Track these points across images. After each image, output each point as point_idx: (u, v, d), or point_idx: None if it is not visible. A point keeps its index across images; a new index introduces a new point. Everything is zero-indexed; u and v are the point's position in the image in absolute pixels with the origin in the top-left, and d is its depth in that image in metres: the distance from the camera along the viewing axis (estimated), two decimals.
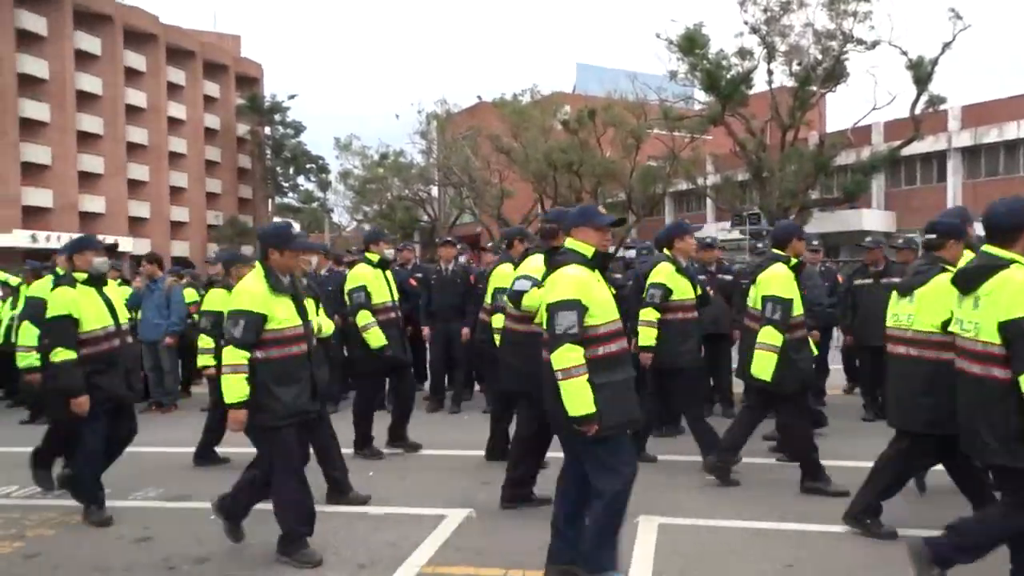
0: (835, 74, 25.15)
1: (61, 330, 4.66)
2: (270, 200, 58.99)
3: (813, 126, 27.73)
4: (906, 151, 26.96)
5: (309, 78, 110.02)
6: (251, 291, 4.00)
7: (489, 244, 9.98)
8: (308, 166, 57.23)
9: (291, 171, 57.86)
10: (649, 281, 5.70)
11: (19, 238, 37.75)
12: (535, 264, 4.55)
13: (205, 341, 6.08)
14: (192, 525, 4.67)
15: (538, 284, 4.20)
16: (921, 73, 23.81)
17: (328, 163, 54.50)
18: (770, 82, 25.60)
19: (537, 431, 4.72)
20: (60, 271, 5.38)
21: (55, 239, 36.33)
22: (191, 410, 8.61)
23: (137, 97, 49.27)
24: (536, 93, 33.50)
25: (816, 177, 25.78)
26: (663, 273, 5.67)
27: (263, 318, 3.94)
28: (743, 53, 25.27)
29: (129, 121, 48.61)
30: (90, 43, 45.91)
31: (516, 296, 4.55)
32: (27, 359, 6.46)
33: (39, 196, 42.46)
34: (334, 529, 4.46)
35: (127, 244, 38.29)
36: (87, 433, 4.77)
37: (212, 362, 5.83)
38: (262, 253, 4.10)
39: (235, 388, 3.90)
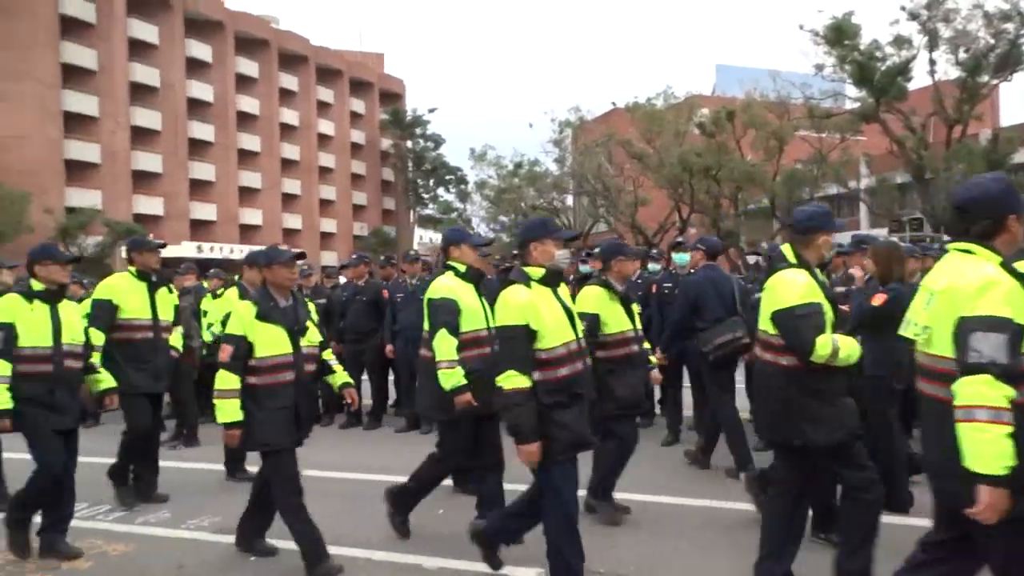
0: (1010, 61, 22.42)
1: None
2: (412, 211, 61.03)
3: (985, 120, 24.97)
4: None
5: (448, 91, 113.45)
6: None
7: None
8: (447, 177, 58.70)
9: (431, 183, 59.58)
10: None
11: (187, 249, 40.98)
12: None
13: None
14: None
15: None
16: None
17: (466, 174, 55.66)
18: (932, 73, 23.20)
19: None
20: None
21: (218, 250, 39.23)
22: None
23: (290, 116, 52.52)
24: (671, 96, 32.41)
25: None
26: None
27: None
28: (900, 42, 23.04)
29: (283, 139, 51.91)
30: (248, 67, 49.45)
31: None
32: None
33: (205, 210, 46.10)
34: None
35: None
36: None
37: None
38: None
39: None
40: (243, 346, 3.95)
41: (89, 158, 40.20)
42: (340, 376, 4.44)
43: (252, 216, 49.28)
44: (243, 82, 49.28)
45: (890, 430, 4.69)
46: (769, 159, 28.58)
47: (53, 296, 4.46)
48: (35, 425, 4.34)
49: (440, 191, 59.61)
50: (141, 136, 42.90)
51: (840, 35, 22.91)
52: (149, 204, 42.92)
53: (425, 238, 64.95)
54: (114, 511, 5.38)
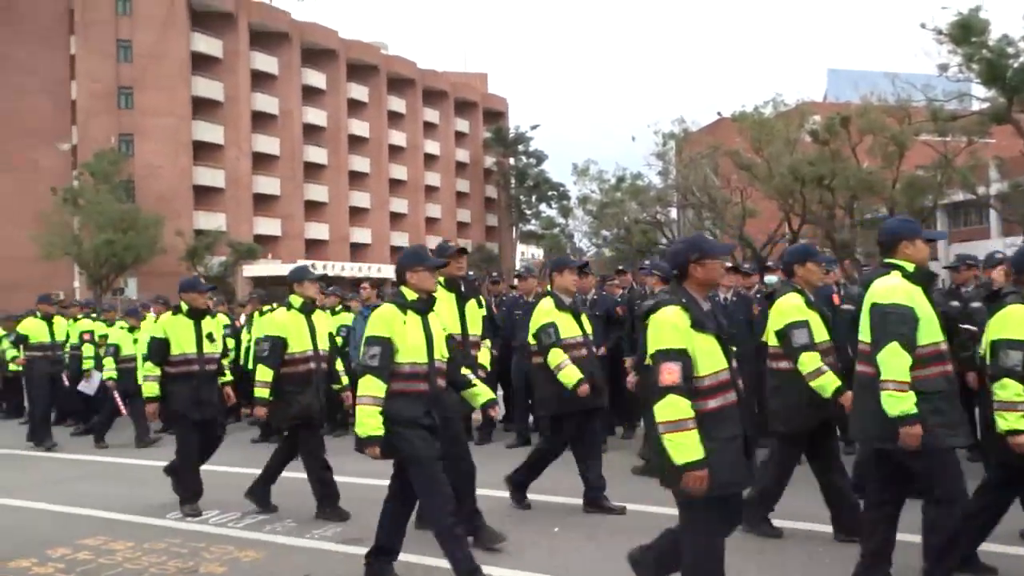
0: None
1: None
2: (514, 228, 61.71)
3: None
4: None
5: (550, 107, 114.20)
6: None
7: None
8: (549, 193, 59.05)
9: (534, 199, 60.09)
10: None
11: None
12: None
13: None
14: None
15: None
16: None
17: (568, 190, 55.78)
18: None
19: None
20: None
21: (331, 268, 40.93)
22: None
23: (398, 137, 54.36)
24: (780, 104, 31.38)
25: None
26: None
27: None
28: None
29: (391, 159, 53.75)
30: (359, 92, 51.58)
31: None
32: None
33: (318, 230, 48.28)
34: None
35: (389, 272, 42.02)
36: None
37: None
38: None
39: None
40: (689, 364, 3.21)
41: (215, 183, 42.94)
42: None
43: (362, 235, 51.18)
44: (354, 107, 51.43)
45: None
46: (888, 166, 27.19)
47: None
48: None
49: (542, 207, 60.01)
50: (261, 161, 45.48)
51: (967, 32, 21.58)
52: (268, 225, 45.34)
53: (527, 254, 65.49)
54: (243, 519, 5.68)
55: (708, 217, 35.09)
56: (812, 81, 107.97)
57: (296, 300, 5.74)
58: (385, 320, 4.05)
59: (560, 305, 5.46)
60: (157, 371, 6.00)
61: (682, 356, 3.16)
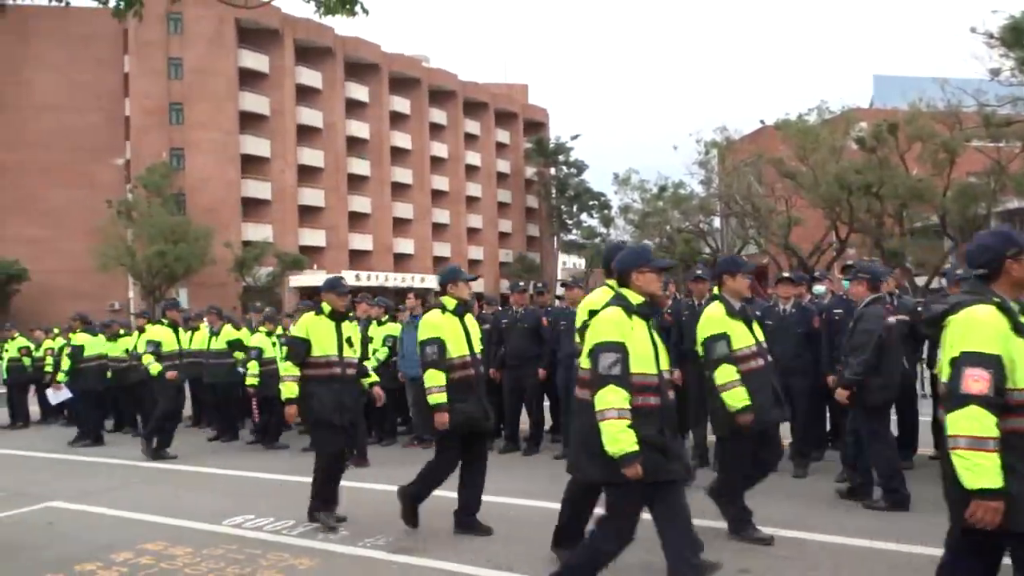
0: None
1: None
2: (555, 237, 61.74)
3: None
4: None
5: (591, 117, 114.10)
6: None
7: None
8: (590, 203, 59.04)
9: (574, 209, 60.12)
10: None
11: (347, 278, 43.51)
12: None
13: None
14: None
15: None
16: None
17: (609, 199, 55.67)
18: None
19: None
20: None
21: (374, 278, 41.47)
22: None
23: (439, 149, 54.91)
24: (825, 111, 30.94)
25: None
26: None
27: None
28: None
29: (433, 171, 54.30)
30: (402, 104, 52.28)
31: None
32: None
33: (362, 241, 48.96)
34: None
35: (431, 281, 42.40)
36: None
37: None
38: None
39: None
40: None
41: (262, 195, 43.88)
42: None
43: (405, 245, 51.74)
44: (397, 119, 52.13)
45: None
46: (938, 173, 26.55)
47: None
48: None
49: (583, 216, 60.05)
50: (306, 173, 46.35)
51: (1019, 36, 21.08)
52: (313, 236, 46.13)
53: (568, 263, 65.41)
54: (297, 527, 5.81)
55: (752, 226, 34.69)
56: (857, 88, 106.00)
57: (449, 302, 5.35)
58: (618, 325, 3.60)
59: (731, 311, 4.83)
60: (297, 371, 5.69)
61: (996, 362, 2.67)
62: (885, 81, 36.37)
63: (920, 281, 27.09)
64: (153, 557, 5.17)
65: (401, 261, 50.65)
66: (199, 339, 11.11)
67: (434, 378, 5.15)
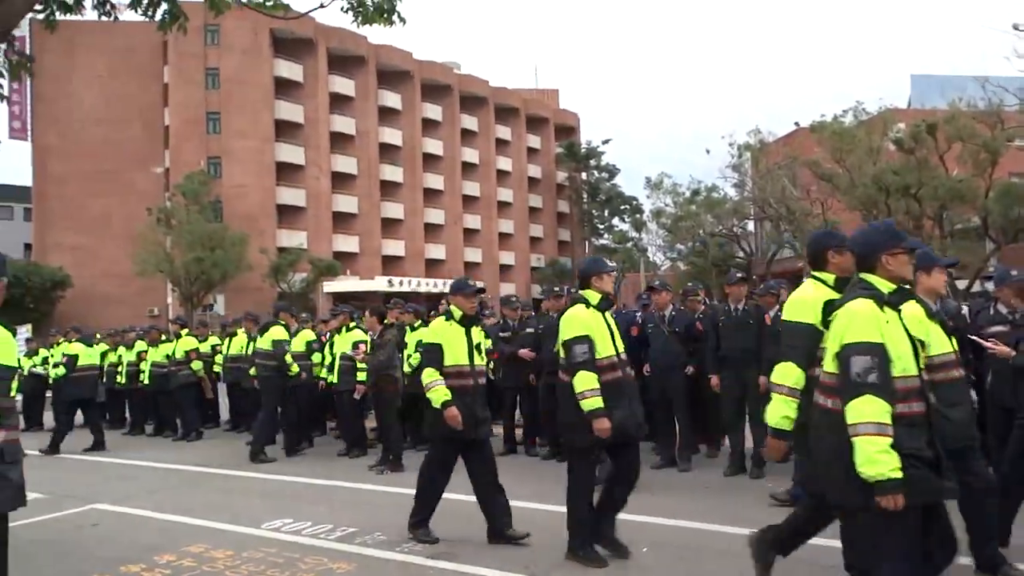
0: None
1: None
2: (587, 242, 61.55)
3: None
4: None
5: (622, 121, 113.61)
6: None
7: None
8: (622, 207, 58.81)
9: (606, 213, 59.94)
10: None
11: (379, 283, 44.05)
12: None
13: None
14: None
15: None
16: None
17: (641, 203, 55.39)
18: None
19: None
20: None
21: (407, 283, 41.74)
22: None
23: (471, 154, 55.16)
24: (861, 112, 30.45)
25: None
26: None
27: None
28: None
29: (464, 176, 54.56)
30: (433, 111, 52.65)
31: None
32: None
33: (395, 246, 49.36)
34: None
35: None
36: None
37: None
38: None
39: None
40: None
41: (296, 202, 44.46)
42: None
43: (437, 251, 52.03)
44: (428, 125, 52.52)
45: None
46: (979, 173, 25.98)
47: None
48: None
49: (615, 221, 59.82)
50: (340, 180, 46.87)
51: None
52: (347, 242, 46.62)
53: None
54: (335, 531, 5.88)
55: (787, 229, 34.25)
56: (895, 87, 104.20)
57: (593, 296, 4.87)
58: (876, 320, 3.03)
59: (929, 313, 3.98)
60: (439, 376, 5.28)
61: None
62: (923, 80, 35.70)
63: (960, 284, 26.50)
64: (195, 559, 5.28)
65: (433, 266, 50.94)
66: (236, 345, 11.30)
67: (586, 381, 4.61)
